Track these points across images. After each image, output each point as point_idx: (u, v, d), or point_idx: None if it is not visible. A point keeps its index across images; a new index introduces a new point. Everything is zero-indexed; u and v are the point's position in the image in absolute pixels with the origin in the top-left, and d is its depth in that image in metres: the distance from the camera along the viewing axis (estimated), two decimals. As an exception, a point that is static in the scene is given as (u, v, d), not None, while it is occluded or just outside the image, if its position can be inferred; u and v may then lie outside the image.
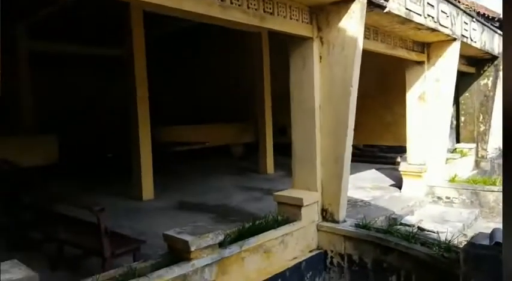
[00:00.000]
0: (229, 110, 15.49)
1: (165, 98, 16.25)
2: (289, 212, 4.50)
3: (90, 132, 14.27)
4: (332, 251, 4.54)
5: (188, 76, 18.05)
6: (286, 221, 4.46)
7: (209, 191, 8.16)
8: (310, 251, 4.54)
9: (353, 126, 4.46)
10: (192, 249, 3.25)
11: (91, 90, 14.99)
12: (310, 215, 4.54)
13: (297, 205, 4.42)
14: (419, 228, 5.65)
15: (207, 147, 12.72)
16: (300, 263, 4.31)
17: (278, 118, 10.68)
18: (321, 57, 4.61)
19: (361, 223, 4.45)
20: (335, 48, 4.48)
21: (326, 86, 4.57)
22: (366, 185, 8.09)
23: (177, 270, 3.18)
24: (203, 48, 16.44)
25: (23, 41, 11.15)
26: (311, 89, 4.58)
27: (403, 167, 7.51)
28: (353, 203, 6.83)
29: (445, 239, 3.95)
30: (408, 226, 5.48)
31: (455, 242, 3.98)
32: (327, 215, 4.67)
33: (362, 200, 7.01)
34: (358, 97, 4.46)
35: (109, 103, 14.14)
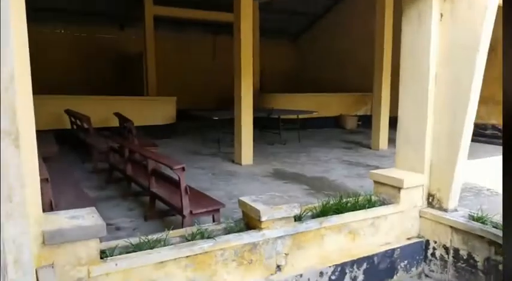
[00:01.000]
0: (345, 80, 14.71)
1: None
2: (386, 194, 3.94)
3: (201, 95, 15.11)
4: (435, 242, 3.88)
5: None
6: (382, 202, 3.93)
7: (310, 162, 7.86)
8: (408, 239, 3.95)
9: (476, 101, 3.62)
10: (263, 219, 3.04)
11: (205, 55, 15.70)
12: (412, 199, 3.91)
13: (396, 187, 3.84)
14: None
15: (317, 117, 12.33)
16: (393, 250, 3.77)
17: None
18: (441, 15, 3.79)
19: (475, 215, 3.66)
20: (460, 3, 3.62)
21: (445, 50, 3.76)
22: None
23: (245, 237, 3.01)
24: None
25: (149, 7, 12.01)
26: (426, 53, 3.82)
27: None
28: (477, 192, 5.84)
29: None
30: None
31: None
32: (433, 201, 3.98)
33: (489, 189, 5.95)
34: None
35: (218, 68, 14.65)
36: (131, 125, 7.54)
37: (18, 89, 1.91)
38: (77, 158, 7.66)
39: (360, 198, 3.87)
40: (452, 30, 3.72)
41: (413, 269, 3.93)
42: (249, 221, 3.20)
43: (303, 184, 6.15)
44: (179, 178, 3.57)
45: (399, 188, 3.81)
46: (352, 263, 3.52)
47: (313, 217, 3.49)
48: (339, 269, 3.44)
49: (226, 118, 8.86)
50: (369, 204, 3.83)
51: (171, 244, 2.83)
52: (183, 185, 3.55)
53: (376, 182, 4.07)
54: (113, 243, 2.74)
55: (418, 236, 3.99)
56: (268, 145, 9.66)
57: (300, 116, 10.87)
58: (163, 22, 13.04)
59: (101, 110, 9.56)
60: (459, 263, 3.67)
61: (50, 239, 2.26)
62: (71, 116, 8.72)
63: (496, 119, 10.03)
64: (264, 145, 9.50)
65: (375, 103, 9.81)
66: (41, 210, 2.43)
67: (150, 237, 2.84)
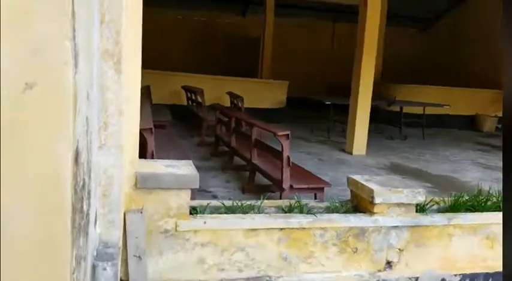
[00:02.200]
0: (480, 74, 12.75)
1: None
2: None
3: (315, 84, 14.62)
4: None
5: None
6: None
7: (435, 160, 6.91)
8: None
9: None
10: (377, 201, 2.52)
11: (323, 42, 15.15)
12: None
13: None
14: None
15: (446, 115, 10.96)
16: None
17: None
18: None
19: None
20: None
21: None
22: None
23: (353, 220, 2.54)
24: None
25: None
26: None
27: None
28: None
29: None
30: None
31: None
32: None
33: None
34: None
35: (336, 56, 13.99)
36: (241, 101, 7.49)
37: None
38: (188, 132, 7.91)
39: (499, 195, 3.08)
40: None
41: None
42: (359, 204, 2.72)
43: (426, 181, 5.33)
44: (282, 147, 3.24)
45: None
46: (487, 277, 2.79)
47: (440, 211, 2.85)
48: (467, 280, 2.75)
49: (338, 104, 8.30)
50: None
51: (266, 213, 2.52)
52: (285, 155, 3.22)
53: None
54: (205, 202, 2.53)
55: None
56: (385, 139, 8.82)
57: (427, 111, 9.67)
58: (283, 7, 12.91)
59: (213, 89, 9.78)
60: None
61: (143, 183, 2.11)
62: (187, 92, 9.06)
63: None
64: (381, 138, 8.69)
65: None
66: (137, 155, 2.31)
67: (244, 202, 2.56)
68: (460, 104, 11.45)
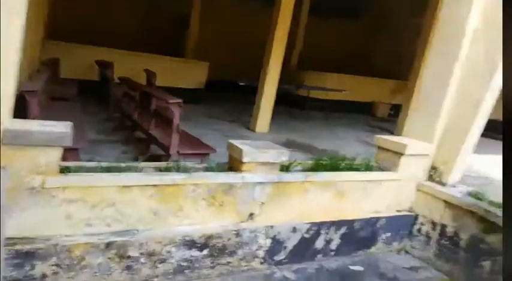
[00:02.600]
0: (384, 65, 14.00)
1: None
2: (387, 161, 3.70)
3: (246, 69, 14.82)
4: (425, 218, 3.64)
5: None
6: (380, 169, 3.70)
7: (326, 138, 7.63)
8: (398, 211, 3.72)
9: (497, 66, 3.28)
10: (245, 160, 2.91)
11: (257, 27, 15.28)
12: (413, 169, 3.66)
13: (398, 153, 3.59)
14: None
15: (349, 101, 11.92)
16: (377, 219, 3.56)
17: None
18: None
19: (473, 191, 3.39)
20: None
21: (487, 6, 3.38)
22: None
23: (222, 176, 2.91)
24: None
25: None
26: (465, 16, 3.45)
27: None
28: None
29: None
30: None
31: None
32: (435, 174, 3.71)
33: None
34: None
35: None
36: (154, 77, 7.57)
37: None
38: (98, 107, 7.81)
39: (357, 161, 3.67)
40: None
41: (395, 243, 3.72)
42: (232, 164, 3.07)
43: (312, 154, 5.95)
44: (172, 112, 3.50)
45: (400, 155, 3.57)
46: (331, 224, 3.35)
47: (303, 171, 3.34)
48: (314, 228, 3.28)
49: (253, 86, 8.72)
50: (366, 168, 3.62)
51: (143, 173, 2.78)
52: (175, 122, 3.49)
53: (379, 148, 3.83)
54: (82, 163, 2.72)
55: (409, 210, 3.76)
56: (291, 119, 9.47)
57: (332, 97, 10.52)
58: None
59: (129, 65, 9.63)
60: (443, 241, 3.44)
61: (13, 139, 2.17)
62: (100, 66, 8.86)
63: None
64: (287, 119, 9.32)
65: (410, 91, 9.36)
66: (11, 115, 2.37)
67: (122, 163, 2.80)
68: (361, 92, 12.55)
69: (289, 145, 6.58)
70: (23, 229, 2.30)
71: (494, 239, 2.95)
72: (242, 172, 2.95)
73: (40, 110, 3.35)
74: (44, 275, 2.35)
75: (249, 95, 9.41)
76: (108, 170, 2.66)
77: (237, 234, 2.95)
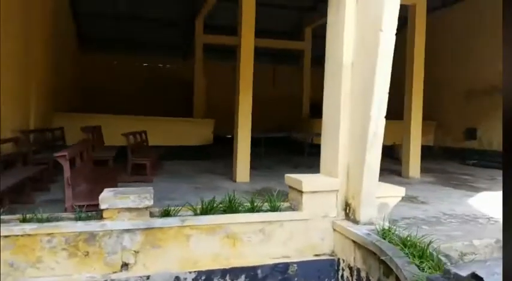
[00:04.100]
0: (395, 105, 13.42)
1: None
2: (295, 200, 3.42)
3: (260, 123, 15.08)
4: (344, 261, 3.20)
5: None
6: (292, 210, 3.40)
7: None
8: (317, 255, 3.32)
9: (385, 92, 3.01)
10: (103, 207, 2.83)
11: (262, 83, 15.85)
12: (321, 206, 3.33)
13: (299, 190, 3.31)
14: None
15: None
16: (287, 265, 3.21)
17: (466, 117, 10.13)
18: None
19: (379, 228, 2.94)
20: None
21: (360, 35, 3.25)
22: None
23: (80, 225, 2.83)
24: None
25: (199, 36, 12.70)
26: (340, 39, 3.36)
27: None
28: (470, 219, 4.77)
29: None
30: None
31: None
32: (349, 211, 3.32)
33: (491, 218, 4.79)
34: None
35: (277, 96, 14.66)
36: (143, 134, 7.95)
37: None
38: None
39: (257, 201, 3.41)
40: (363, 10, 3.21)
41: (315, 292, 3.28)
42: (103, 212, 3.00)
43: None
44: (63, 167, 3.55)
45: (301, 192, 3.27)
46: (224, 272, 3.06)
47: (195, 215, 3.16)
48: (203, 277, 3.02)
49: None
50: (272, 208, 3.34)
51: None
52: (65, 176, 3.52)
53: (289, 187, 3.57)
54: None
55: (331, 254, 3.34)
56: (293, 168, 9.19)
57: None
58: (214, 51, 13.65)
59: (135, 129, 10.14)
60: (357, 287, 2.96)
61: None
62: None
63: None
64: (283, 166, 9.07)
65: (405, 127, 8.89)
66: None
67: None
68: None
69: (262, 191, 6.32)
70: None
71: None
72: (103, 219, 2.85)
73: None
74: None
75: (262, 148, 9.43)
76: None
77: (106, 286, 2.79)
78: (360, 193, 3.13)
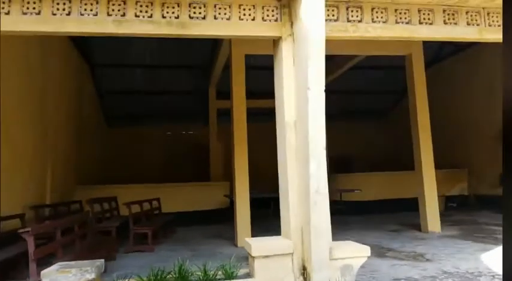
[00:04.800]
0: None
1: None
2: (251, 265, 3.28)
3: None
4: None
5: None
6: (250, 276, 3.26)
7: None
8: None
9: (322, 148, 2.96)
10: (44, 282, 2.84)
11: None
12: (275, 272, 3.16)
13: (251, 255, 3.18)
14: None
15: (387, 200, 11.00)
16: None
17: (499, 160, 8.70)
18: (294, 59, 3.40)
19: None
20: (297, 42, 3.24)
21: (297, 95, 3.31)
22: None
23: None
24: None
25: (212, 101, 13.31)
26: (281, 99, 3.42)
27: None
28: (471, 277, 4.34)
29: None
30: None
31: None
32: (307, 276, 3.12)
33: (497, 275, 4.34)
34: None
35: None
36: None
37: None
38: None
39: (214, 270, 3.29)
40: (297, 73, 3.29)
41: None
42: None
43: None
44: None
45: (253, 257, 3.14)
46: None
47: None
48: None
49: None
50: (227, 277, 3.21)
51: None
52: (29, 251, 3.60)
53: (248, 252, 3.44)
54: None
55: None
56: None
57: (351, 198, 9.90)
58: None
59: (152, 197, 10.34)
60: None
61: None
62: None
63: None
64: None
65: (418, 181, 8.41)
66: None
67: None
68: (398, 188, 11.34)
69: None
70: None
71: None
72: (47, 295, 2.85)
73: None
74: None
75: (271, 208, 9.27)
76: None
77: None
78: (310, 256, 2.96)
